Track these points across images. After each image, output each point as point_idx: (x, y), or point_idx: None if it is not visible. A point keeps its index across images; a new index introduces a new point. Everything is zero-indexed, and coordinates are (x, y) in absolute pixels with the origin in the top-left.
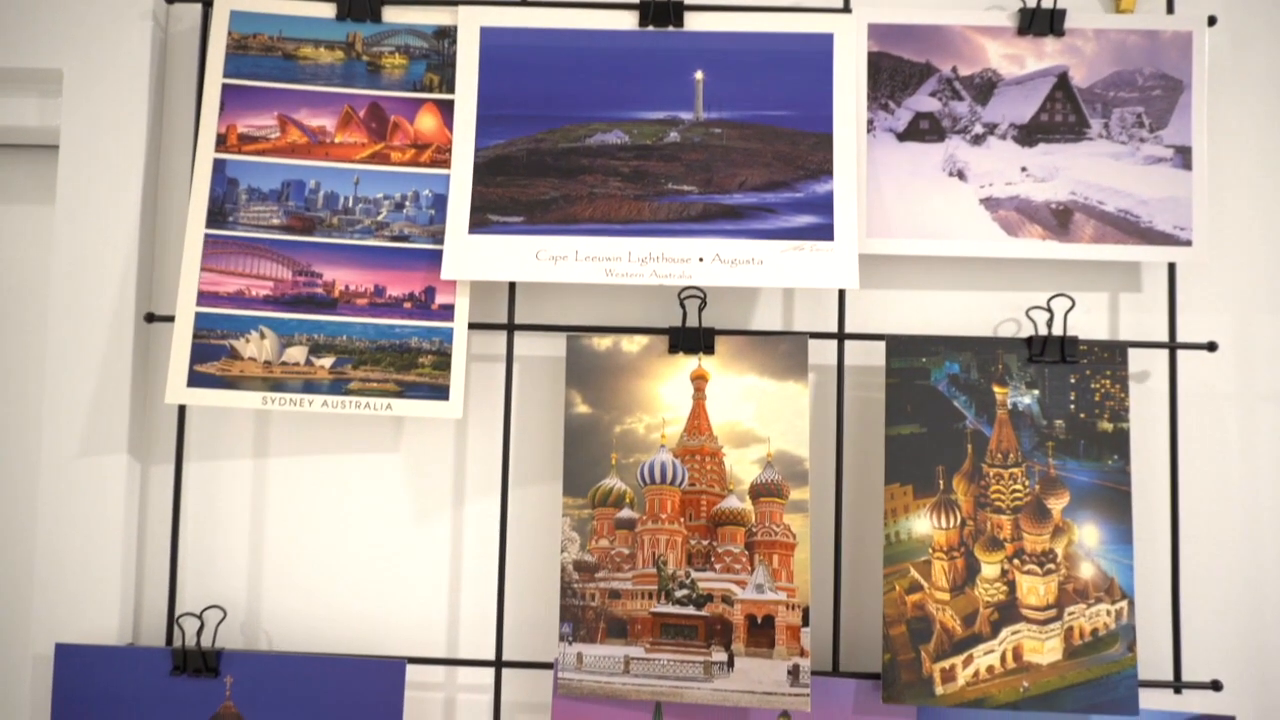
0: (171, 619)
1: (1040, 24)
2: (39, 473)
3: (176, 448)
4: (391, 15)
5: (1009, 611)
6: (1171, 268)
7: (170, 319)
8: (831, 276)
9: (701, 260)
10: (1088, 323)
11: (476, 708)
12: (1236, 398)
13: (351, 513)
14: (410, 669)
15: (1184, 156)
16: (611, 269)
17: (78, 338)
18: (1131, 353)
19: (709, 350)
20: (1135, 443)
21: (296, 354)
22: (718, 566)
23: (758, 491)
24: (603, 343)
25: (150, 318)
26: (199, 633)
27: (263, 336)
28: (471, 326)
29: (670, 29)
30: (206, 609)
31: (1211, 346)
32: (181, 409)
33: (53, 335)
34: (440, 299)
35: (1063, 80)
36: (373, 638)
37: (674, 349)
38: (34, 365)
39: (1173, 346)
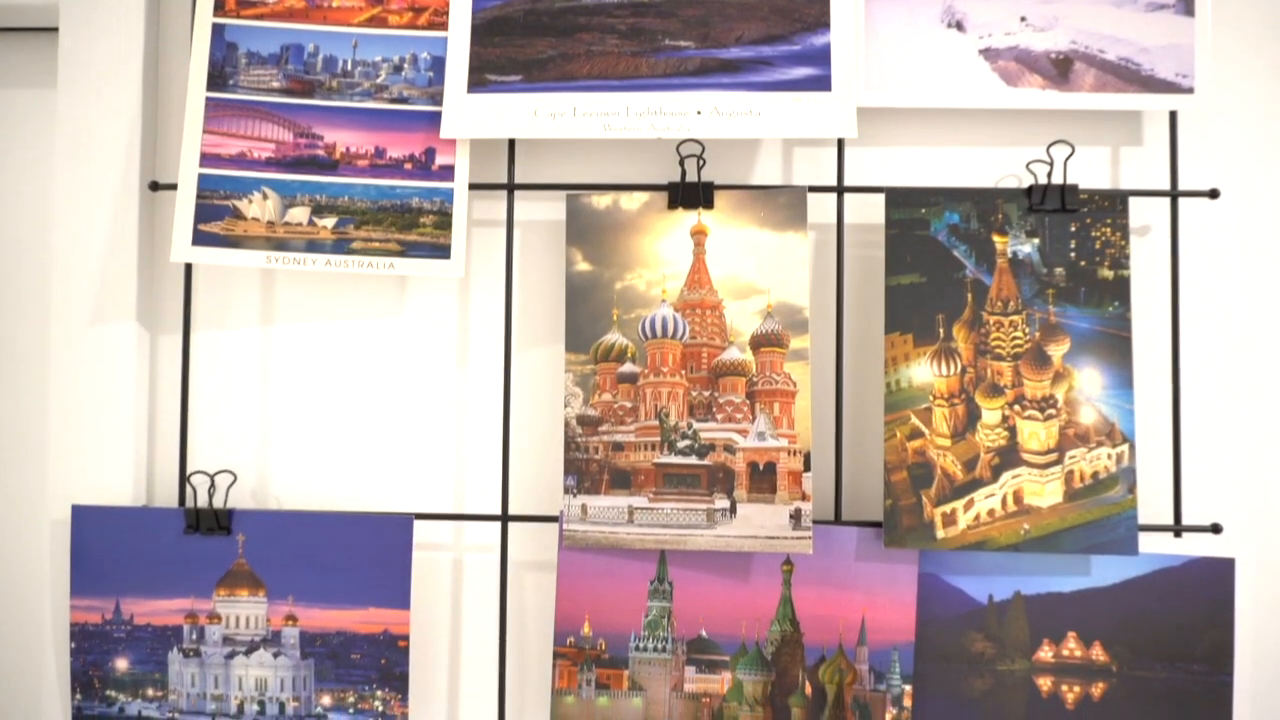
0: (183, 482)
1: None
2: (49, 343)
3: (184, 312)
4: None
5: (1010, 456)
6: (1173, 116)
7: (174, 187)
8: (829, 125)
9: (699, 113)
10: (1088, 176)
11: (483, 567)
12: (1238, 247)
13: (357, 376)
14: (418, 528)
15: (1186, 3)
16: (609, 124)
17: (84, 210)
18: (1133, 207)
19: (708, 205)
20: (1137, 293)
21: (299, 214)
22: (719, 417)
23: (758, 342)
24: (602, 200)
25: (155, 186)
26: (210, 491)
27: (265, 197)
28: (472, 187)
29: None
30: (218, 473)
31: (1213, 194)
32: (188, 276)
33: (59, 209)
34: (440, 159)
35: None
36: (381, 500)
37: (673, 204)
38: (41, 241)
39: (1174, 194)
